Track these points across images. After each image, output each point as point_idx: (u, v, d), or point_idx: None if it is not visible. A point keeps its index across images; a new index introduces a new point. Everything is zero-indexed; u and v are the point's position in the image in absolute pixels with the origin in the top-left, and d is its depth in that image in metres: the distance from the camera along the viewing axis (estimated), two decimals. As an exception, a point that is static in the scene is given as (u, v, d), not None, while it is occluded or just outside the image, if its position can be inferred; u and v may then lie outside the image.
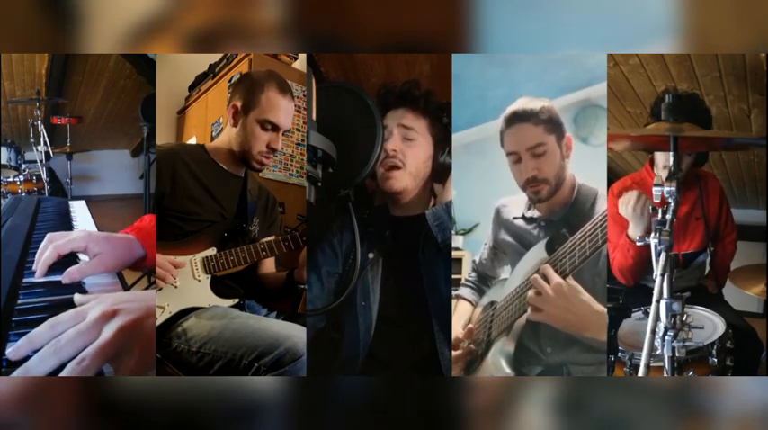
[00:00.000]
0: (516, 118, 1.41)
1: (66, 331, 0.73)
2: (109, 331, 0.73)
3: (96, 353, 0.71)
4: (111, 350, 0.72)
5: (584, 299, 1.26)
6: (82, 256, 1.18)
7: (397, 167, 1.41)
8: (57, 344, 0.72)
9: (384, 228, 1.45)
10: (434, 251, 1.38)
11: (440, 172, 1.46)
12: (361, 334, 1.38)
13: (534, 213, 1.48)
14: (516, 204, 1.53)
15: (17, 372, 0.71)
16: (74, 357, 0.71)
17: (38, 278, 1.08)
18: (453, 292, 1.60)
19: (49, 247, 1.11)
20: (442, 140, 1.46)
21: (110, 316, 0.75)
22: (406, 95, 1.45)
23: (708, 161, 2.12)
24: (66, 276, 1.07)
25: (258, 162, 1.60)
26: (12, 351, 0.73)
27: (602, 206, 1.39)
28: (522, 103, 1.42)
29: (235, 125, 1.61)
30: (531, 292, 1.31)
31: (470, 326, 1.50)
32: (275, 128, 1.59)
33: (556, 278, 1.27)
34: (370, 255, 1.43)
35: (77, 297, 0.89)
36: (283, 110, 1.60)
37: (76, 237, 1.14)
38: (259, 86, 1.60)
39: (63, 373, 0.70)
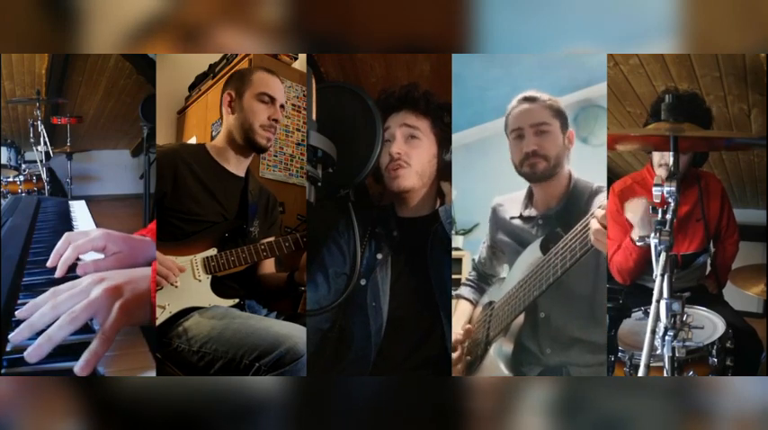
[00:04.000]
0: (525, 100, 1.46)
1: (63, 294, 0.87)
2: (95, 292, 0.87)
3: (84, 308, 0.84)
4: (95, 306, 0.85)
5: None
6: (96, 254, 1.19)
7: (402, 167, 1.42)
8: (54, 303, 0.85)
9: (391, 228, 1.46)
10: (443, 252, 1.39)
11: (446, 170, 1.47)
12: (373, 334, 1.38)
13: (531, 212, 1.49)
14: (512, 203, 1.54)
15: (22, 326, 0.82)
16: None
17: (58, 276, 1.11)
18: (454, 292, 1.61)
19: (69, 248, 1.12)
20: (445, 139, 1.46)
21: (98, 281, 0.89)
22: (406, 98, 1.46)
23: (708, 161, 2.12)
24: (81, 268, 1.11)
25: (263, 137, 1.61)
26: (20, 311, 0.87)
27: (598, 201, 1.39)
28: (531, 92, 1.47)
29: (233, 112, 1.63)
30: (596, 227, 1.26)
31: (468, 326, 1.50)
32: (272, 100, 1.62)
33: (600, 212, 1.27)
34: (379, 256, 1.43)
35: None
36: (276, 85, 1.64)
37: (96, 237, 1.16)
38: (247, 72, 1.66)
39: (54, 327, 0.81)
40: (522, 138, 1.43)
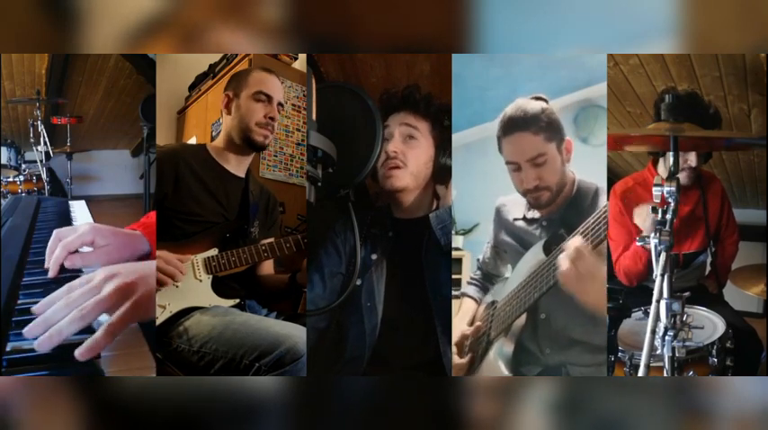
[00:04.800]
0: (514, 125, 1.37)
1: (77, 290, 0.88)
2: (107, 289, 0.87)
3: (94, 305, 0.85)
4: (107, 303, 0.86)
5: (599, 275, 1.23)
6: (86, 248, 1.18)
7: (397, 167, 1.42)
8: (68, 300, 0.86)
9: (387, 229, 1.46)
10: (437, 254, 1.39)
11: (441, 174, 1.46)
12: (367, 334, 1.38)
13: (535, 214, 1.48)
14: (515, 204, 1.53)
15: (37, 321, 0.84)
16: None
17: (51, 276, 1.10)
18: (459, 291, 1.61)
19: (59, 247, 1.12)
20: (444, 142, 1.46)
21: (110, 277, 0.89)
22: (407, 99, 1.46)
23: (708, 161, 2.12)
24: (69, 261, 1.11)
25: (260, 135, 1.60)
26: (38, 306, 0.89)
27: (601, 202, 1.39)
28: (519, 106, 1.38)
29: (229, 113, 1.63)
30: (564, 262, 1.23)
31: (478, 324, 1.50)
32: (269, 98, 1.62)
33: (579, 243, 1.23)
34: (374, 256, 1.43)
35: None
36: (272, 84, 1.64)
37: (84, 232, 1.15)
38: (245, 73, 1.66)
39: (65, 321, 0.82)
40: (520, 171, 1.38)
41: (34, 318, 0.86)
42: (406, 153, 1.43)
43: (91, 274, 0.92)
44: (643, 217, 1.66)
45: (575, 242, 1.22)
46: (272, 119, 1.62)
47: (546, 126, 1.36)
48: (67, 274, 1.10)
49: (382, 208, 1.50)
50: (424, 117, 1.45)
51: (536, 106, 1.37)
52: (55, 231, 1.16)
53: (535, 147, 1.36)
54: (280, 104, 1.64)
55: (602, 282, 1.25)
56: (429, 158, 1.45)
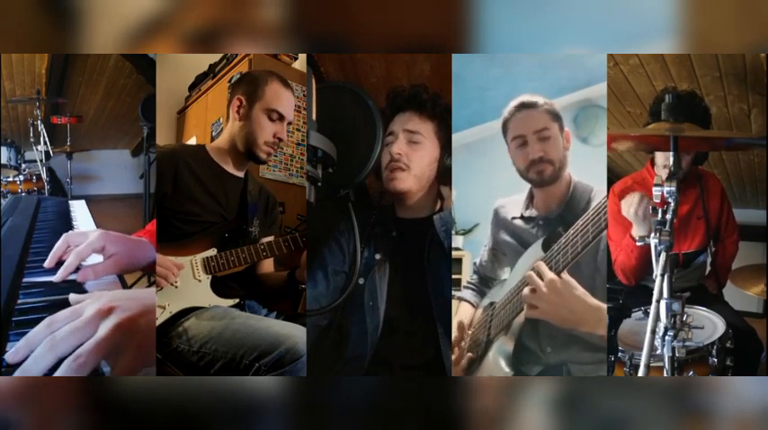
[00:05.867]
0: (523, 106, 1.45)
1: (62, 328, 0.72)
2: (105, 328, 0.72)
3: (92, 350, 0.70)
4: (107, 346, 0.71)
5: (579, 294, 1.27)
6: (95, 256, 1.17)
7: (401, 169, 1.42)
8: (52, 342, 0.70)
9: (390, 228, 1.46)
10: (440, 255, 1.39)
11: (446, 174, 1.47)
12: (369, 333, 1.38)
13: (532, 212, 1.49)
14: (514, 204, 1.54)
15: (16, 373, 0.71)
16: (70, 354, 0.70)
17: (58, 280, 1.07)
18: (456, 294, 1.61)
19: (71, 255, 1.09)
20: (448, 143, 1.46)
21: (106, 313, 0.74)
22: (414, 99, 1.46)
23: (708, 161, 2.12)
24: (81, 275, 1.07)
25: (265, 152, 1.61)
26: (11, 354, 0.72)
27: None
28: (526, 97, 1.47)
29: (240, 119, 1.62)
30: (526, 290, 1.32)
31: (460, 320, 1.51)
32: (281, 118, 1.62)
33: (549, 274, 1.28)
34: (377, 256, 1.43)
35: (72, 296, 0.87)
36: (287, 101, 1.63)
37: (94, 239, 1.13)
38: (262, 80, 1.63)
39: (59, 371, 0.69)
40: (526, 145, 1.43)
41: (33, 320, 0.85)
42: (410, 155, 1.43)
43: (77, 306, 0.77)
44: (628, 207, 1.66)
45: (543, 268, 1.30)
46: (280, 139, 1.62)
47: (549, 109, 1.44)
48: (71, 279, 1.08)
49: (386, 207, 1.50)
50: (429, 117, 1.46)
51: (539, 98, 1.46)
52: (64, 235, 1.14)
53: (541, 121, 1.43)
54: (289, 123, 1.64)
55: (575, 301, 1.27)
56: (433, 160, 1.45)
